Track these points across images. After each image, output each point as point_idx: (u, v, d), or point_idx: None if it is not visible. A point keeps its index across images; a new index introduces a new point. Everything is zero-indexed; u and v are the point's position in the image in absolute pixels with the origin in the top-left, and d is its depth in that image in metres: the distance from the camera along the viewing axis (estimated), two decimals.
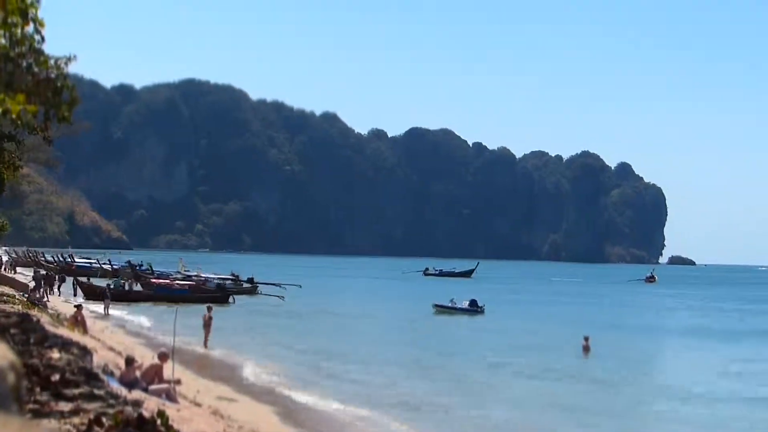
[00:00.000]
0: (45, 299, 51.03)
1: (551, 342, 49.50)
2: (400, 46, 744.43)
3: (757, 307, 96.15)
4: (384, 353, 41.05)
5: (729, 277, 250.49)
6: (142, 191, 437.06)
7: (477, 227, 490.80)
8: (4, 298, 36.08)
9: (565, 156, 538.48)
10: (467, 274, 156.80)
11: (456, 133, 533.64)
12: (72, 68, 11.13)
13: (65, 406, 12.74)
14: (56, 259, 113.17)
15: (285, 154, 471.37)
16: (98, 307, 54.81)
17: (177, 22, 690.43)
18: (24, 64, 10.39)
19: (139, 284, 73.42)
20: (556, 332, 55.90)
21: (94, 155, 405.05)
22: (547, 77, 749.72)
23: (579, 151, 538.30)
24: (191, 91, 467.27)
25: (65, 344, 17.10)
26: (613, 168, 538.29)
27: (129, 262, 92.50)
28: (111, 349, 29.38)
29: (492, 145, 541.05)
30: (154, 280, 74.31)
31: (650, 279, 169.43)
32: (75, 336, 24.83)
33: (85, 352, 17.28)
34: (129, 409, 13.31)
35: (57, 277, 74.75)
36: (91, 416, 12.29)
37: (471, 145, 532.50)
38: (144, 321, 51.54)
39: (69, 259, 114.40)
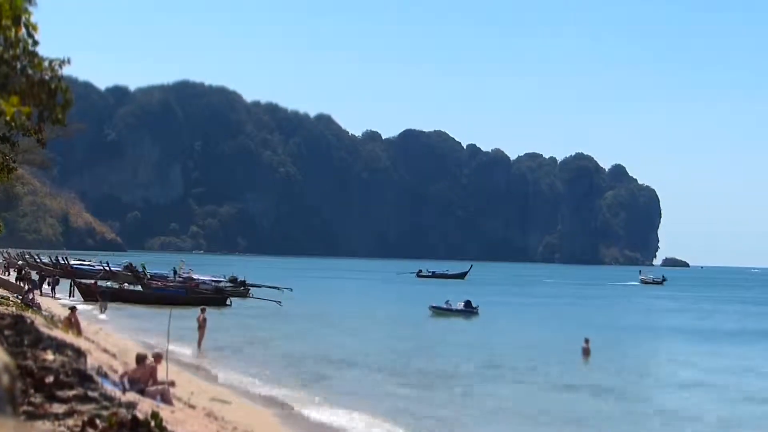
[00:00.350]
0: (34, 298, 51.02)
1: (547, 344, 49.51)
2: (395, 48, 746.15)
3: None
4: (381, 356, 40.96)
5: (731, 278, 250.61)
6: (136, 193, 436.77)
7: (471, 229, 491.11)
8: None
9: (560, 158, 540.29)
10: (461, 276, 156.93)
11: (450, 134, 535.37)
12: (66, 70, 11.11)
13: (59, 408, 12.73)
14: (52, 260, 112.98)
15: (279, 156, 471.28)
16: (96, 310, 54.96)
17: (171, 23, 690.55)
18: (18, 66, 10.39)
19: (139, 285, 73.24)
20: (552, 334, 55.92)
21: (88, 157, 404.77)
22: (542, 79, 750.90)
23: (573, 153, 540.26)
24: (185, 92, 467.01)
25: (59, 346, 17.10)
26: (607, 170, 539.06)
27: (130, 264, 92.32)
28: (105, 350, 29.35)
29: (486, 146, 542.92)
30: (152, 282, 74.17)
31: (656, 281, 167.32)
32: (69, 338, 24.80)
33: (79, 353, 17.28)
34: (123, 410, 13.31)
35: (49, 278, 74.59)
36: (85, 418, 12.29)
37: (465, 147, 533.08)
38: (139, 323, 51.47)
39: (71, 262, 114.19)
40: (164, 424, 13.26)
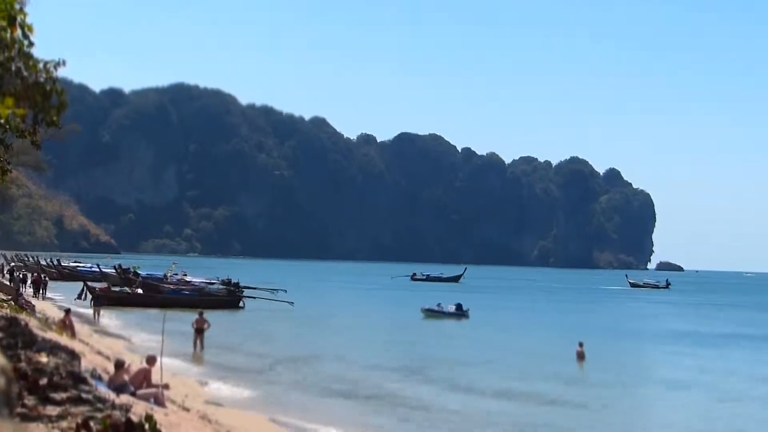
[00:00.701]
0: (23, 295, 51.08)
1: (541, 347, 49.55)
2: (390, 52, 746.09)
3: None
4: (377, 359, 40.97)
5: (732, 283, 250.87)
6: (130, 195, 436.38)
7: (466, 232, 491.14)
8: None
9: (554, 162, 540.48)
10: (455, 279, 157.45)
11: (445, 138, 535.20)
12: (61, 72, 11.12)
13: (53, 411, 12.72)
14: (48, 263, 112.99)
15: (274, 159, 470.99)
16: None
17: (166, 26, 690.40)
18: (13, 68, 10.39)
19: (140, 289, 72.76)
20: (547, 337, 55.97)
21: (82, 159, 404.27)
22: (537, 83, 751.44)
23: (568, 157, 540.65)
24: (180, 95, 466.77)
25: (53, 348, 17.07)
26: (601, 174, 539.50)
27: (119, 266, 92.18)
28: (99, 353, 29.35)
29: (481, 150, 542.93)
30: (164, 285, 73.81)
31: (658, 285, 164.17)
32: (63, 340, 24.79)
33: (73, 356, 17.25)
34: (117, 413, 13.30)
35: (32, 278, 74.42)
36: (79, 420, 12.28)
37: (460, 151, 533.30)
38: (135, 325, 51.41)
39: (70, 264, 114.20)
40: (158, 426, 13.26)
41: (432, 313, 66.94)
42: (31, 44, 10.17)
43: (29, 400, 12.84)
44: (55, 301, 64.41)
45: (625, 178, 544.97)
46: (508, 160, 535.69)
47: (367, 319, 68.85)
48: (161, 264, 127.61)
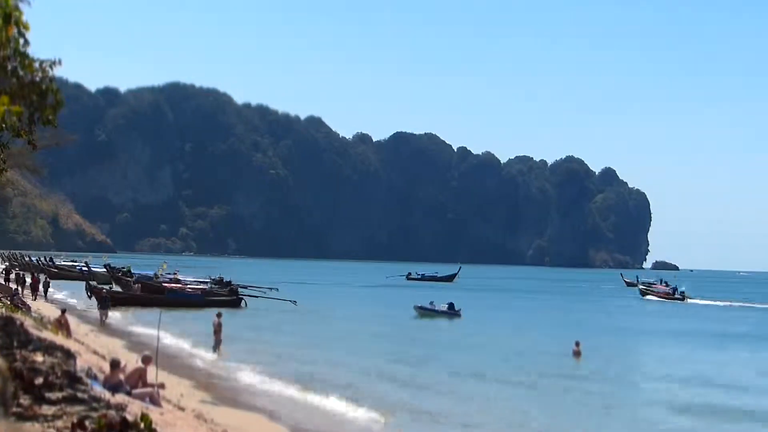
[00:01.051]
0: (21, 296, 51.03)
1: (537, 346, 49.55)
2: (386, 51, 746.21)
3: None
4: (374, 358, 40.92)
5: (733, 282, 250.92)
6: (126, 195, 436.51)
7: (461, 232, 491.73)
8: None
9: (550, 161, 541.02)
10: (450, 278, 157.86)
11: (441, 137, 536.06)
12: (56, 71, 11.08)
13: (48, 410, 12.70)
14: (44, 262, 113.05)
15: (269, 158, 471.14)
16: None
17: (162, 25, 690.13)
18: (9, 67, 10.36)
19: (119, 287, 72.72)
20: (543, 336, 55.99)
21: (78, 158, 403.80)
22: (532, 83, 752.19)
23: (563, 156, 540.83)
24: (176, 94, 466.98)
25: (49, 348, 17.05)
26: (597, 173, 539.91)
27: (109, 265, 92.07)
28: (95, 352, 29.30)
29: (477, 149, 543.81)
30: (166, 285, 73.70)
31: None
32: (59, 339, 24.76)
33: (69, 355, 17.22)
34: (112, 412, 13.28)
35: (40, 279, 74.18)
36: (75, 420, 12.26)
37: (456, 150, 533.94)
38: (132, 324, 51.35)
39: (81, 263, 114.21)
40: (153, 426, 13.24)
41: (425, 312, 67.26)
42: (26, 43, 10.14)
43: (25, 400, 12.82)
44: (57, 302, 63.61)
45: (620, 178, 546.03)
46: (503, 160, 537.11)
47: (361, 317, 68.86)
48: (152, 263, 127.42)
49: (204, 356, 38.78)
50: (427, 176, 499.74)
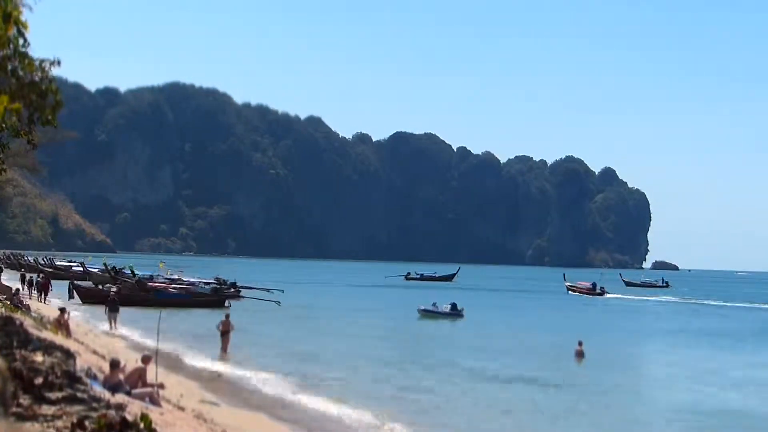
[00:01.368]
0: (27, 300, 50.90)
1: (538, 347, 49.55)
2: (386, 51, 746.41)
3: None
4: (374, 359, 40.87)
5: (734, 282, 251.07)
6: (126, 194, 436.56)
7: (461, 231, 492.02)
8: None
9: (550, 161, 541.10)
10: (449, 278, 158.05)
11: (440, 137, 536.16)
12: (56, 71, 11.08)
13: (48, 410, 12.69)
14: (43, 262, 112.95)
15: (269, 158, 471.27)
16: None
17: (162, 25, 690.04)
18: (9, 67, 10.36)
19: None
20: (543, 336, 55.97)
21: (78, 158, 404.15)
22: (532, 82, 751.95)
23: (563, 156, 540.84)
24: (176, 94, 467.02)
25: (48, 347, 17.04)
26: (597, 173, 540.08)
27: (104, 264, 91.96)
28: (94, 352, 29.31)
29: (476, 149, 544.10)
30: (152, 285, 73.58)
31: (654, 283, 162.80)
32: (58, 339, 24.77)
33: (69, 355, 17.21)
34: (112, 412, 13.27)
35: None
36: (74, 420, 12.25)
37: (455, 150, 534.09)
38: (130, 324, 51.27)
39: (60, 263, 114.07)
40: (153, 426, 13.24)
41: (427, 313, 67.17)
42: (26, 43, 10.14)
43: (24, 400, 12.81)
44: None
45: (620, 178, 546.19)
46: (503, 159, 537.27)
47: (361, 317, 68.73)
48: (152, 263, 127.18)
49: (204, 357, 38.74)
50: (426, 176, 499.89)
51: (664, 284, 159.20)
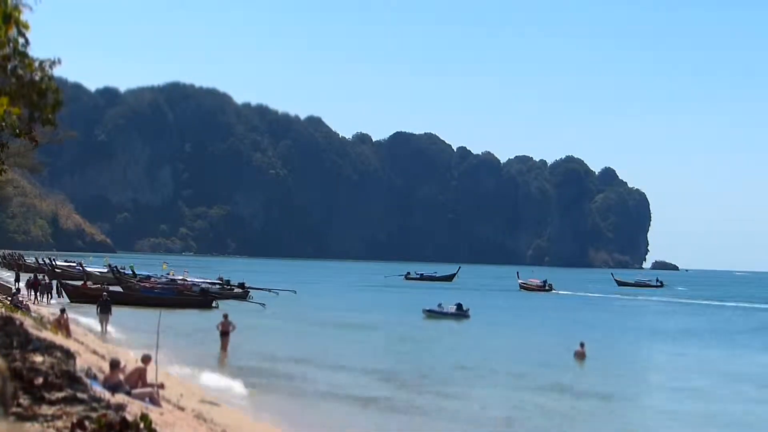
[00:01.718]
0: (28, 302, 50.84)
1: (543, 348, 49.56)
2: (386, 51, 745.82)
3: None
4: (375, 360, 40.92)
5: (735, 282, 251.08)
6: (126, 194, 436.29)
7: (461, 231, 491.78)
8: None
9: (550, 161, 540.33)
10: (449, 278, 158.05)
11: (440, 137, 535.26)
12: (56, 71, 11.09)
13: (48, 410, 12.69)
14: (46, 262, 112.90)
15: (269, 158, 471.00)
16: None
17: (161, 25, 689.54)
18: (9, 66, 10.36)
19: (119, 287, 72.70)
20: (545, 337, 55.99)
21: (78, 158, 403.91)
22: (532, 82, 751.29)
23: (563, 156, 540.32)
24: (175, 94, 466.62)
25: (48, 348, 17.04)
26: (597, 173, 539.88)
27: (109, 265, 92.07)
28: (94, 352, 29.31)
29: (476, 149, 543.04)
30: (141, 284, 73.59)
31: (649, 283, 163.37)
32: (58, 339, 24.77)
33: (69, 355, 17.21)
34: (112, 412, 13.27)
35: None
36: (74, 420, 12.25)
37: (455, 150, 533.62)
38: (128, 324, 51.24)
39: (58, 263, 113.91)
40: (153, 426, 13.25)
41: (433, 314, 67.02)
42: (26, 42, 10.14)
43: (24, 400, 12.82)
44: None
45: (620, 178, 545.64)
46: (503, 159, 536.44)
47: (361, 318, 68.71)
48: (152, 263, 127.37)
49: (204, 356, 38.75)
50: (426, 176, 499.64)
51: (659, 284, 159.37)
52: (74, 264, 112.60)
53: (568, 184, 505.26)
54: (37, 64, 10.71)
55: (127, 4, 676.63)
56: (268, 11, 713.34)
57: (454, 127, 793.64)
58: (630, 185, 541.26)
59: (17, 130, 13.30)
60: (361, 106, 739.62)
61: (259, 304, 70.28)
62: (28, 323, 25.85)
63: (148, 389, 20.20)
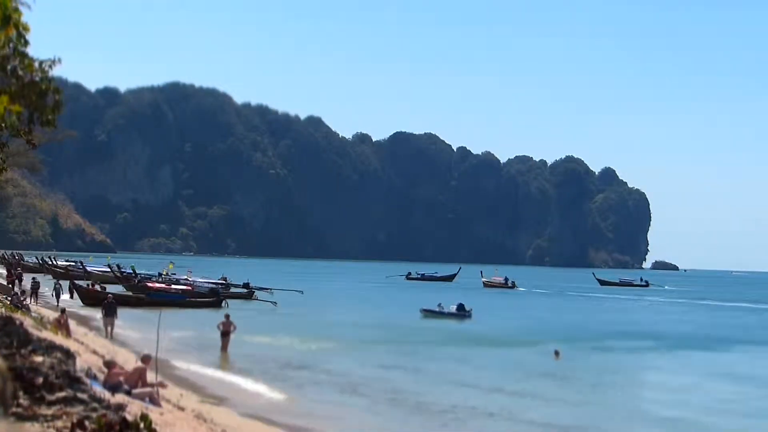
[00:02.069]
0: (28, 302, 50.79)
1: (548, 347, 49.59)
2: (386, 51, 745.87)
3: None
4: (374, 360, 40.90)
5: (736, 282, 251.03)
6: (126, 194, 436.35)
7: (461, 232, 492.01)
8: None
9: (550, 161, 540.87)
10: (449, 278, 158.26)
11: (440, 137, 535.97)
12: (56, 71, 11.09)
13: (48, 410, 12.69)
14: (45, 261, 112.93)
15: (269, 158, 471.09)
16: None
17: (161, 25, 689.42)
18: (9, 67, 10.36)
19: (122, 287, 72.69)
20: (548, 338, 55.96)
21: (78, 158, 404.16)
22: (532, 82, 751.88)
23: (563, 156, 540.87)
24: (175, 94, 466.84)
25: (48, 348, 17.03)
26: (597, 173, 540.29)
27: (110, 264, 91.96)
28: (94, 352, 29.31)
29: (476, 149, 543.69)
30: (150, 285, 73.46)
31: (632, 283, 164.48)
32: (58, 339, 24.77)
33: (69, 355, 17.19)
34: (112, 412, 13.27)
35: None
36: (74, 420, 12.25)
37: (455, 150, 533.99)
38: (129, 325, 51.22)
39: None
40: (153, 426, 13.26)
41: (431, 314, 66.67)
42: (26, 43, 10.14)
43: (24, 400, 12.81)
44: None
45: (620, 178, 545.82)
46: (503, 160, 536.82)
47: (361, 318, 68.64)
48: (152, 263, 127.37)
49: (203, 356, 38.74)
50: (426, 176, 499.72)
51: (644, 284, 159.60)
52: (74, 264, 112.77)
53: (568, 184, 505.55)
54: (37, 64, 10.71)
55: (127, 4, 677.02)
56: (268, 11, 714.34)
57: (454, 127, 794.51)
58: (630, 185, 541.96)
59: (17, 130, 13.30)
60: (361, 106, 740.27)
61: (271, 303, 70.39)
62: (28, 323, 25.86)
63: (148, 389, 20.20)
